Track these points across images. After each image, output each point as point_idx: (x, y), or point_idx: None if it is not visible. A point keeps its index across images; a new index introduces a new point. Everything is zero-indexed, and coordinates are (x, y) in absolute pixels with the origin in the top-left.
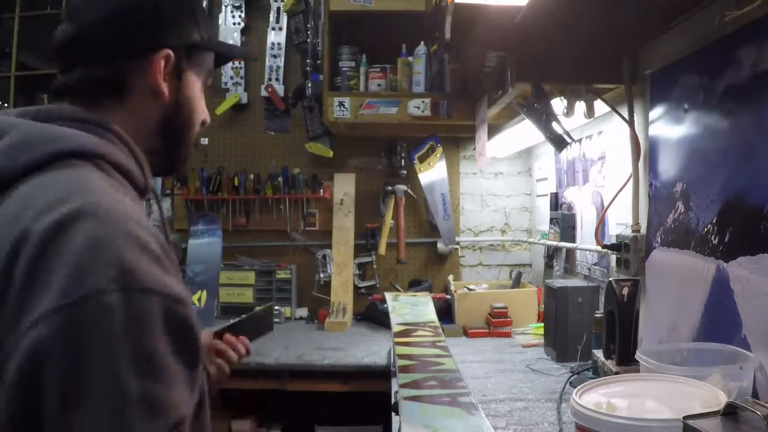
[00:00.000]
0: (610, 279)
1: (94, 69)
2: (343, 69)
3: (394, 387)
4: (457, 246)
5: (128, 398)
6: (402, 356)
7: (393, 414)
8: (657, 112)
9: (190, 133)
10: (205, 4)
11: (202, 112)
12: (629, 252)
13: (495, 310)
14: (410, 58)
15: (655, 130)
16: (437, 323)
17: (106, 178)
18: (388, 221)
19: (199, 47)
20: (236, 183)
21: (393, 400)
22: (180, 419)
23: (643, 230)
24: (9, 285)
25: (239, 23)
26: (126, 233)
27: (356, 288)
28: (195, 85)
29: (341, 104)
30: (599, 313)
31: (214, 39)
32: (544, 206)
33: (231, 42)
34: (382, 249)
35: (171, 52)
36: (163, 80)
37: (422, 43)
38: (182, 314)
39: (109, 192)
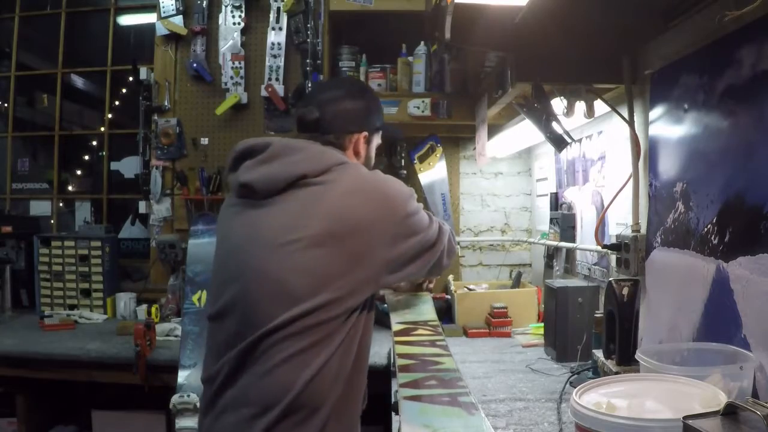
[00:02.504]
0: (610, 279)
1: (327, 136)
2: (343, 69)
3: (394, 387)
4: (457, 246)
5: None
6: (402, 355)
7: (393, 414)
8: (657, 112)
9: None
10: (204, 4)
11: (373, 160)
12: (629, 252)
13: (495, 310)
14: (410, 58)
15: (655, 130)
16: (437, 322)
17: None
18: None
19: (379, 129)
20: None
21: (393, 400)
22: None
23: (643, 230)
24: None
25: (239, 23)
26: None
27: None
28: (373, 148)
29: None
30: (599, 313)
31: (385, 124)
32: (544, 206)
33: (231, 41)
34: None
35: (366, 134)
36: (361, 148)
37: (422, 43)
38: None
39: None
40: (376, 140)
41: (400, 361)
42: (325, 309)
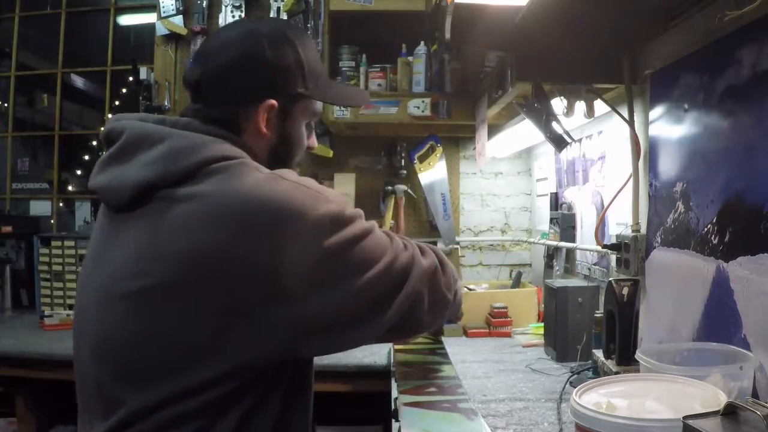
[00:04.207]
0: (610, 279)
1: (212, 109)
2: (343, 69)
3: (394, 393)
4: (457, 246)
5: None
6: (401, 363)
7: (393, 421)
8: (657, 112)
9: (293, 160)
10: (204, 4)
11: (304, 143)
12: (629, 252)
13: (495, 310)
14: (410, 58)
15: (655, 130)
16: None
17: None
18: (388, 221)
19: (304, 96)
20: None
21: (393, 407)
22: None
23: (643, 230)
24: None
25: None
26: None
27: None
28: (298, 124)
29: None
30: (599, 313)
31: (322, 88)
32: (544, 206)
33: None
34: None
35: (275, 102)
36: (265, 124)
37: (422, 43)
38: None
39: None
40: (304, 114)
41: (400, 369)
42: (189, 396)
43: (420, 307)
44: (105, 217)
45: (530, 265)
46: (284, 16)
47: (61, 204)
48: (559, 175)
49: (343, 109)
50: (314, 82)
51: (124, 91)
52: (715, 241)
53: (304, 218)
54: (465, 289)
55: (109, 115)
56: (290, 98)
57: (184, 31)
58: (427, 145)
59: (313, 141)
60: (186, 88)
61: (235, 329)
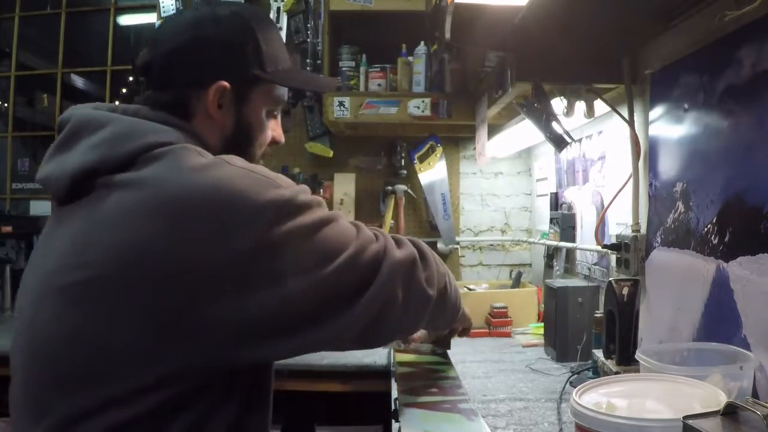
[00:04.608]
0: (610, 279)
1: (162, 94)
2: (343, 69)
3: (394, 393)
4: (457, 246)
5: None
6: (402, 364)
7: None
8: (657, 112)
9: (253, 151)
10: None
11: (266, 132)
12: (629, 252)
13: (495, 310)
14: (410, 58)
15: (655, 130)
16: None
17: None
18: (388, 221)
19: (262, 80)
20: None
21: (393, 407)
22: None
23: (643, 230)
24: None
25: None
26: None
27: None
28: (257, 111)
29: (341, 104)
30: (599, 313)
31: (283, 73)
32: (544, 206)
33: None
34: None
35: (226, 84)
36: (217, 108)
37: (422, 43)
38: None
39: None
40: (265, 100)
41: (400, 369)
42: (123, 404)
43: (393, 305)
44: (52, 211)
45: (530, 265)
46: (284, 16)
47: None
48: (559, 175)
49: (343, 108)
50: (273, 66)
51: (124, 91)
52: (715, 241)
53: (247, 205)
54: (465, 289)
55: None
56: (246, 82)
57: None
58: (427, 145)
59: (280, 134)
60: (136, 74)
61: (168, 330)
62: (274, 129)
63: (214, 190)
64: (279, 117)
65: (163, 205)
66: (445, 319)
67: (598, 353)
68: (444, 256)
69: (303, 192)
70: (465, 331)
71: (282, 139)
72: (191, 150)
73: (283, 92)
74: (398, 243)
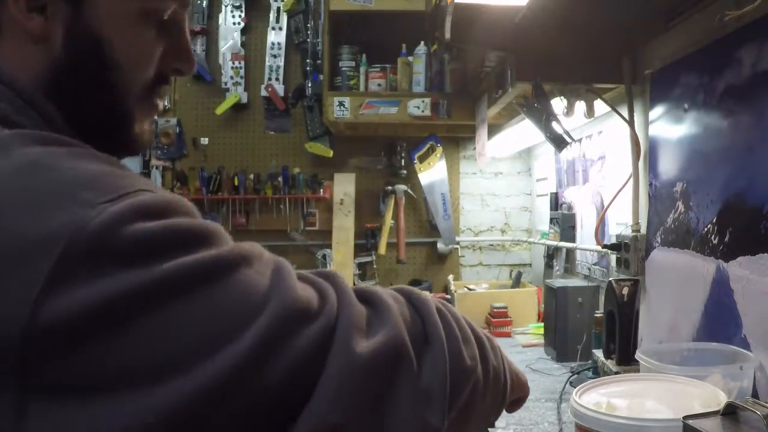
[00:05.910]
0: (610, 279)
1: None
2: (343, 69)
3: None
4: (457, 246)
5: None
6: None
7: None
8: (657, 112)
9: (113, 88)
10: (204, 4)
11: (145, 51)
12: (629, 252)
13: (495, 310)
14: (410, 58)
15: (655, 130)
16: None
17: None
18: (388, 221)
19: None
20: (236, 183)
21: None
22: None
23: (643, 230)
24: None
25: (239, 23)
26: None
27: None
28: (115, 14)
29: (341, 104)
30: (599, 313)
31: None
32: (544, 206)
33: (231, 41)
34: (382, 249)
35: None
36: (27, 13)
37: (422, 43)
38: None
39: None
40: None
41: None
42: None
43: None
44: None
45: (530, 265)
46: (284, 16)
47: None
48: (559, 175)
49: (343, 108)
50: None
51: None
52: (715, 241)
53: (84, 235)
54: (465, 289)
55: None
56: None
57: None
58: (427, 145)
59: (186, 48)
60: None
61: None
62: (167, 41)
63: (33, 210)
64: (185, 20)
65: None
66: (487, 410)
67: (598, 353)
68: (444, 256)
69: (179, 204)
70: (518, 403)
71: (191, 61)
72: (25, 136)
73: None
74: (371, 309)
